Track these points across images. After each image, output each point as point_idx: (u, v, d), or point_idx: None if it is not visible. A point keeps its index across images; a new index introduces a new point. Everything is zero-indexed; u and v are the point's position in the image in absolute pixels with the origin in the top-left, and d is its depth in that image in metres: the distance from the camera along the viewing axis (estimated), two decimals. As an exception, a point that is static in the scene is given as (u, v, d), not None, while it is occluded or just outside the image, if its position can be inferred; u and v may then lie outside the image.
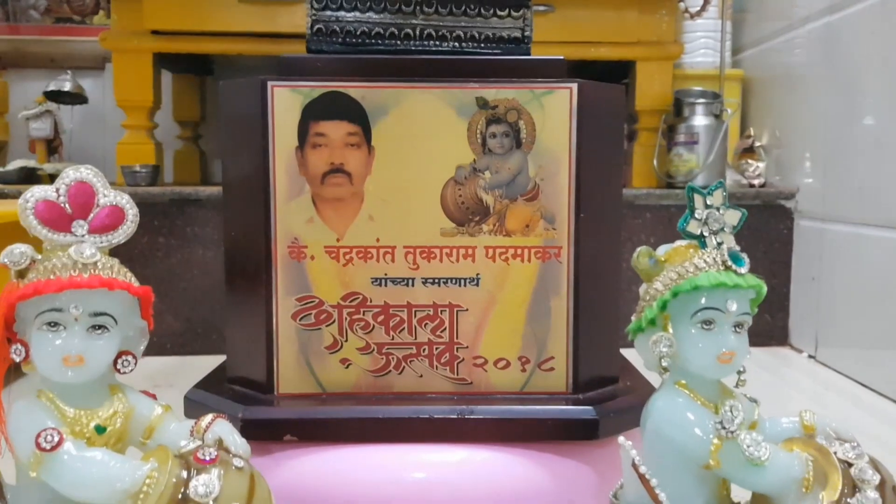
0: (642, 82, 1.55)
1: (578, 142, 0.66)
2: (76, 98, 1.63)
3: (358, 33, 0.70)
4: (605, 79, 1.79)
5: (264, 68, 1.71)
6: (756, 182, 1.54)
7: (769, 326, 1.46)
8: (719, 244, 0.52)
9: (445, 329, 0.67)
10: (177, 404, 0.70)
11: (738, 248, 0.53)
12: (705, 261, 0.51)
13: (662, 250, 0.54)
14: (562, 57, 0.69)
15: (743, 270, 0.51)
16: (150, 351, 1.36)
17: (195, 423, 0.52)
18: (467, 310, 0.67)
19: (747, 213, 0.54)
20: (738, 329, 0.52)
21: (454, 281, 0.67)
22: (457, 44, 0.71)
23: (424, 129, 0.66)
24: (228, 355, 0.70)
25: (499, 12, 0.71)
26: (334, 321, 0.66)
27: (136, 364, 0.53)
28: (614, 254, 0.69)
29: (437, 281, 0.67)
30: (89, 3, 1.44)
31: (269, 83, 0.65)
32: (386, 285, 0.66)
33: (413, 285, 0.67)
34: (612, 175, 0.69)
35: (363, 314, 0.66)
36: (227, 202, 0.68)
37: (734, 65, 1.70)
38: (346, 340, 0.66)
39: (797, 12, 1.48)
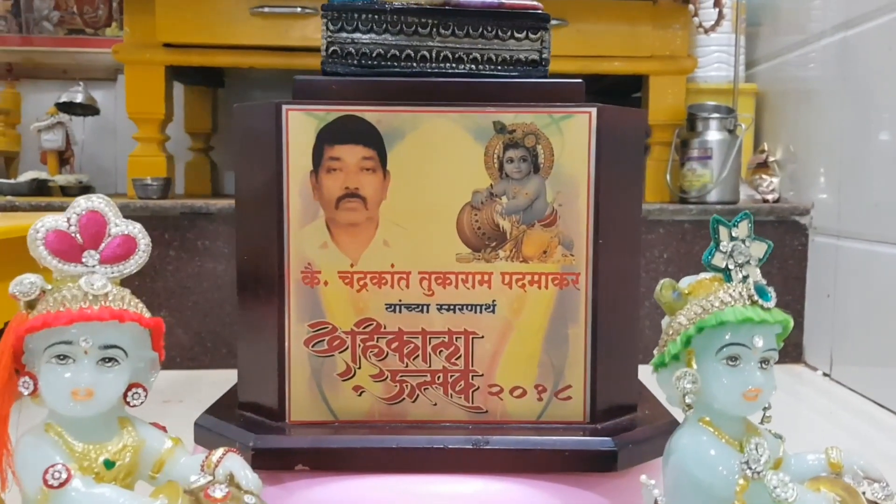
0: (655, 96, 1.53)
1: (597, 167, 0.65)
2: (88, 109, 1.62)
3: (374, 55, 0.69)
4: (618, 93, 1.78)
5: (276, 81, 1.70)
6: (770, 197, 1.53)
7: (783, 344, 1.43)
8: (745, 278, 0.51)
9: (461, 356, 0.65)
10: (186, 421, 0.69)
11: (764, 281, 0.51)
12: (731, 295, 0.50)
13: (686, 283, 0.53)
14: (580, 80, 0.68)
15: (769, 305, 0.50)
16: (159, 365, 1.35)
17: (206, 457, 0.51)
18: (483, 337, 0.65)
19: (773, 245, 0.53)
20: (764, 365, 0.50)
21: (470, 307, 0.65)
22: (473, 66, 0.69)
23: (441, 154, 0.64)
24: (240, 380, 0.69)
25: (516, 34, 0.69)
26: (347, 348, 0.65)
27: (146, 396, 0.52)
28: (633, 280, 0.68)
29: (452, 307, 0.65)
30: (102, 16, 1.43)
31: (284, 107, 0.64)
32: (400, 311, 0.65)
33: (428, 312, 0.65)
34: (632, 201, 0.67)
35: (377, 341, 0.65)
36: (240, 224, 0.67)
37: (748, 79, 1.68)
38: (360, 367, 0.65)
39: (812, 27, 1.46)
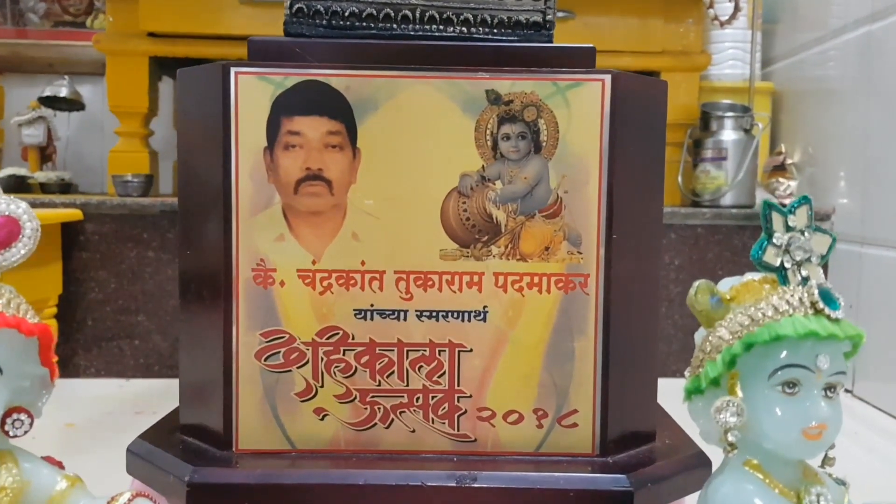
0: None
1: (611, 146, 0.52)
2: (73, 104, 1.51)
3: (346, 14, 0.56)
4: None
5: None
6: (787, 202, 1.39)
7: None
8: (805, 279, 0.38)
9: (444, 373, 0.52)
10: None
11: (829, 284, 0.38)
12: (788, 301, 0.37)
13: (727, 285, 0.40)
14: (591, 45, 0.55)
15: (838, 314, 0.37)
16: (135, 373, 1.23)
17: (110, 500, 0.38)
18: (471, 350, 0.52)
19: (836, 238, 0.40)
20: (829, 393, 0.37)
21: (456, 314, 0.52)
22: (464, 29, 0.57)
23: (422, 129, 0.52)
24: (181, 399, 0.56)
25: (515, -9, 0.57)
26: (308, 362, 0.52)
27: (31, 424, 0.39)
28: (652, 283, 0.55)
29: (434, 314, 0.52)
30: (83, 4, 1.32)
31: (233, 69, 0.51)
32: (372, 318, 0.52)
33: (405, 319, 0.52)
34: (652, 187, 0.55)
35: (343, 354, 0.52)
36: (182, 215, 0.54)
37: (764, 77, 1.55)
38: (322, 386, 0.52)
39: (833, 22, 1.33)
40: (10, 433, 0.38)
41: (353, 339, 0.52)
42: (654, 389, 0.56)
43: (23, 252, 0.40)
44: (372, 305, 0.52)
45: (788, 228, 0.38)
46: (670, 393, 0.57)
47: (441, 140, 0.52)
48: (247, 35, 1.33)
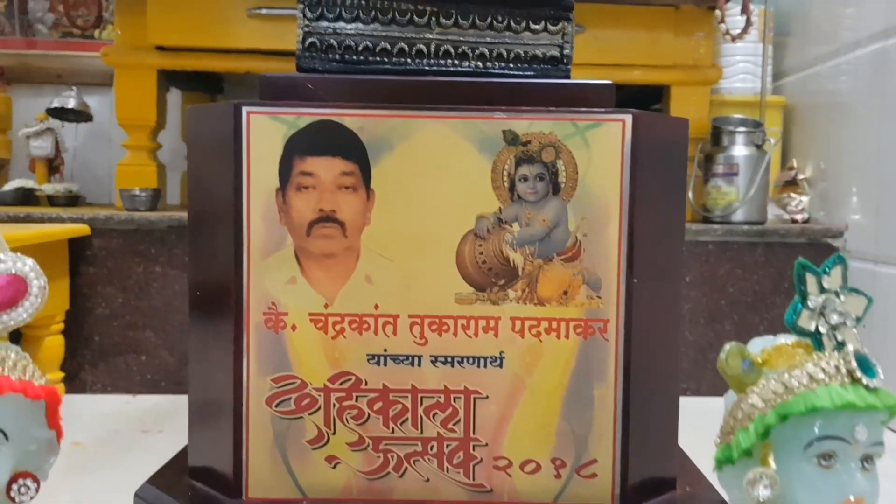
0: (677, 108, 1.38)
1: (632, 188, 0.50)
2: (81, 116, 1.49)
3: (360, 49, 0.55)
4: (636, 104, 1.64)
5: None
6: (799, 217, 1.37)
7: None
8: (840, 344, 0.36)
9: (459, 421, 0.51)
10: (164, 455, 0.58)
11: (865, 349, 0.36)
12: (823, 369, 0.35)
13: (759, 347, 0.38)
14: (609, 81, 0.53)
15: (875, 383, 0.35)
16: (142, 388, 1.21)
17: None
18: (487, 397, 0.51)
19: (872, 299, 0.38)
20: (866, 464, 0.35)
21: (471, 360, 0.51)
22: (480, 63, 0.55)
23: (437, 169, 0.50)
24: (190, 442, 0.55)
25: (532, 26, 0.55)
26: (320, 408, 0.50)
27: (38, 489, 0.38)
28: (674, 329, 0.53)
29: (449, 360, 0.51)
30: (92, 18, 1.31)
31: (245, 108, 0.50)
32: (386, 364, 0.51)
33: (420, 364, 0.51)
34: (674, 228, 0.53)
35: (356, 400, 0.51)
36: (192, 254, 0.53)
37: (775, 91, 1.53)
38: (334, 433, 0.51)
39: (846, 36, 1.31)
40: (16, 500, 0.37)
41: (365, 384, 0.50)
42: (675, 435, 0.54)
43: (30, 311, 0.38)
44: (385, 350, 0.50)
45: (822, 290, 0.36)
46: (682, 413, 0.55)
47: (457, 181, 0.50)
48: (255, 49, 1.33)
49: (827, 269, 0.37)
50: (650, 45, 1.35)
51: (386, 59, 0.55)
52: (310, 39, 0.55)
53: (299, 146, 0.50)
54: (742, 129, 1.33)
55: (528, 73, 0.55)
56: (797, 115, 1.47)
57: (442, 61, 0.55)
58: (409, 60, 0.55)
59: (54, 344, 1.14)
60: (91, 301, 1.19)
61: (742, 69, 1.47)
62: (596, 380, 0.50)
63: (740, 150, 1.32)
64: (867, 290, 1.20)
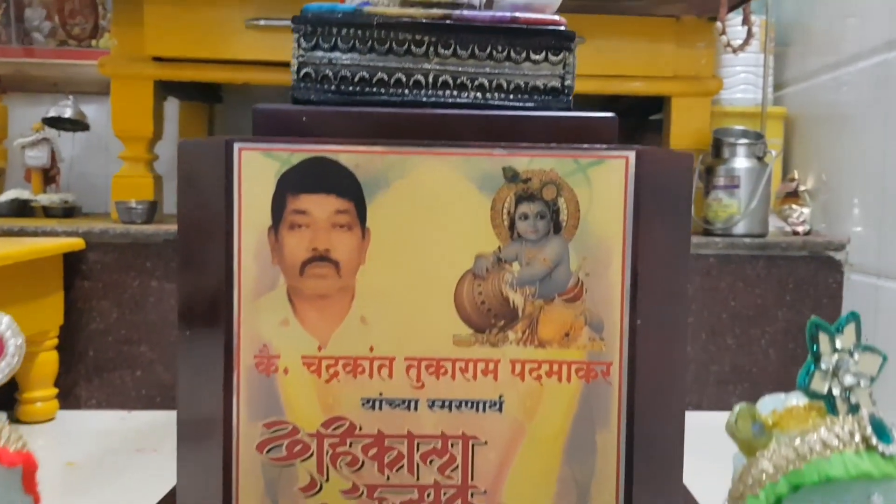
0: (678, 119, 1.36)
1: (635, 226, 0.48)
2: (77, 125, 1.47)
3: (356, 79, 0.53)
4: (635, 114, 1.62)
5: (277, 97, 1.54)
6: (800, 229, 1.36)
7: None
8: (855, 407, 0.34)
9: (457, 468, 0.49)
10: (157, 479, 0.54)
11: (880, 413, 0.35)
12: (837, 435, 0.33)
13: (770, 407, 0.36)
14: (612, 114, 0.52)
15: (892, 450, 0.33)
16: (137, 404, 1.20)
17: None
18: (486, 443, 0.49)
19: (887, 357, 0.36)
20: (882, 533, 0.34)
21: (470, 404, 0.49)
22: (479, 94, 0.53)
23: (435, 207, 0.48)
24: (179, 488, 0.53)
25: (533, 56, 0.53)
26: (312, 454, 0.49)
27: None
28: (679, 369, 0.51)
29: (447, 404, 0.49)
30: (89, 27, 1.29)
31: (236, 145, 0.48)
32: (381, 408, 0.49)
33: (416, 409, 0.49)
34: (678, 266, 0.51)
35: (350, 446, 0.49)
36: (182, 295, 0.51)
37: (776, 101, 1.51)
38: (328, 480, 0.49)
39: (847, 48, 1.29)
40: (-7, 567, 0.35)
41: (360, 430, 0.49)
42: (680, 478, 0.53)
43: (5, 371, 0.36)
44: (381, 394, 0.49)
45: (836, 349, 0.35)
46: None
47: (455, 219, 0.48)
48: (253, 60, 1.31)
49: (840, 328, 0.35)
50: (651, 56, 1.33)
51: (383, 90, 0.53)
52: (305, 70, 0.53)
53: (292, 183, 0.48)
54: (743, 141, 1.31)
55: (529, 104, 0.53)
56: (798, 126, 1.45)
57: (440, 92, 0.53)
58: (406, 91, 0.53)
59: (48, 360, 1.12)
60: (86, 316, 1.17)
61: (743, 80, 1.45)
62: (599, 425, 0.49)
63: (741, 162, 1.30)
64: (869, 304, 1.18)
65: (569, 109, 0.54)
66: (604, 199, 0.48)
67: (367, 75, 0.53)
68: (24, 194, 1.37)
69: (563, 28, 0.53)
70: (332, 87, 0.53)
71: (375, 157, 0.48)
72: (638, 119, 1.62)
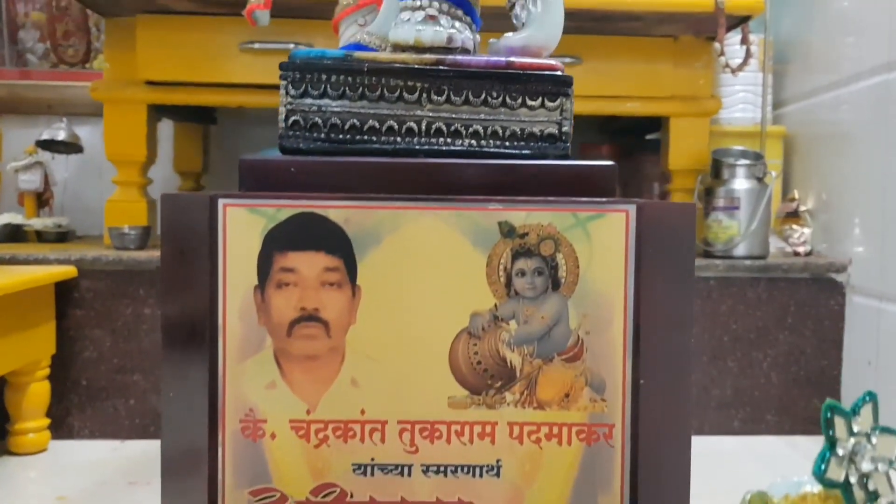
0: (676, 139, 1.34)
1: (637, 282, 0.46)
2: (71, 147, 1.45)
3: (346, 127, 0.51)
4: (631, 133, 1.60)
5: (272, 118, 1.53)
6: (801, 250, 1.34)
7: (818, 412, 1.24)
8: (873, 495, 0.32)
9: (453, 535, 0.47)
10: None
11: (901, 500, 0.32)
12: (856, 529, 0.31)
13: (782, 491, 0.34)
14: (612, 163, 0.49)
15: (914, 543, 0.31)
16: (130, 433, 1.17)
17: None
18: (483, 509, 0.47)
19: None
20: None
21: (466, 469, 0.47)
22: (474, 142, 0.51)
23: (428, 264, 0.46)
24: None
25: (529, 102, 0.51)
26: (302, 523, 0.47)
27: None
28: (684, 428, 0.49)
29: (442, 469, 0.47)
30: (81, 51, 1.26)
31: (221, 201, 0.45)
32: (373, 474, 0.46)
33: (410, 474, 0.47)
34: (682, 321, 0.49)
35: (342, 513, 0.47)
36: (165, 356, 0.48)
37: (775, 120, 1.49)
38: (318, 550, 0.47)
39: (847, 67, 1.27)
40: None
41: (351, 497, 0.46)
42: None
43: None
44: (373, 459, 0.46)
45: (852, 433, 0.33)
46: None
47: (449, 276, 0.46)
48: (246, 83, 1.28)
49: (857, 409, 0.33)
50: (648, 77, 1.31)
51: (374, 138, 0.51)
52: (293, 118, 0.51)
53: (280, 240, 0.46)
54: (742, 161, 1.29)
55: (525, 151, 0.51)
56: (798, 145, 1.43)
57: (434, 139, 0.51)
58: (398, 139, 0.51)
59: (40, 391, 1.10)
60: (78, 344, 1.15)
61: (742, 98, 1.43)
62: (601, 490, 0.46)
63: (741, 183, 1.28)
64: (871, 327, 1.15)
65: (567, 156, 0.51)
66: (604, 255, 0.46)
67: (357, 123, 0.51)
68: (17, 218, 1.35)
69: (559, 73, 0.51)
70: (322, 136, 0.51)
71: (366, 212, 0.46)
72: (636, 137, 1.61)
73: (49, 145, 1.44)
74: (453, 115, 0.51)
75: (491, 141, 0.51)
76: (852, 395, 1.21)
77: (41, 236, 1.36)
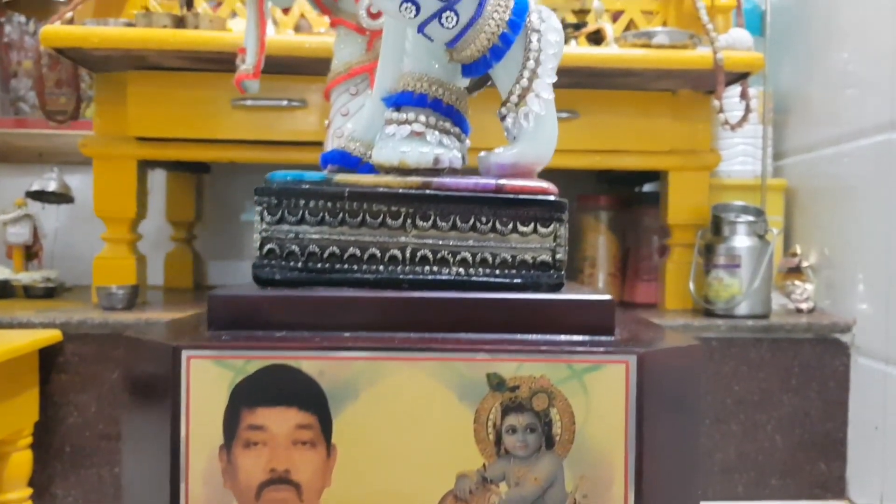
0: (675, 193, 1.30)
1: (638, 440, 0.41)
2: (62, 198, 1.41)
3: (325, 256, 0.46)
4: (631, 182, 1.55)
5: (266, 168, 1.49)
6: (804, 306, 1.29)
7: (824, 476, 1.20)
8: None
9: None
10: None
11: None
12: None
13: None
14: (609, 297, 0.45)
15: None
16: (115, 502, 1.12)
17: None
18: None
19: None
20: None
21: None
22: (462, 270, 0.47)
23: (410, 420, 0.41)
24: None
25: (520, 227, 0.47)
26: None
27: None
28: None
29: None
30: (69, 110, 1.23)
31: (185, 353, 0.41)
32: None
33: None
34: (688, 477, 0.44)
35: None
36: (124, 514, 0.44)
37: (776, 172, 1.45)
38: None
39: (849, 123, 1.24)
40: None
41: None
42: None
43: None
44: None
45: None
46: None
47: (433, 434, 0.41)
48: (238, 139, 1.24)
49: None
50: (647, 131, 1.27)
51: (355, 267, 0.46)
52: (268, 245, 0.46)
53: (248, 395, 0.41)
54: (743, 218, 1.25)
55: (517, 280, 0.47)
56: (799, 199, 1.39)
57: (419, 268, 0.47)
58: (381, 268, 0.47)
59: (21, 461, 1.05)
60: (63, 410, 1.10)
61: (742, 151, 1.39)
62: None
63: (742, 240, 1.24)
64: (878, 390, 1.10)
65: (560, 286, 0.47)
66: (602, 410, 0.41)
67: (337, 250, 0.46)
68: (5, 273, 1.31)
69: (553, 198, 0.47)
70: (299, 265, 0.46)
71: (342, 364, 0.41)
72: (632, 186, 1.56)
73: (40, 196, 1.40)
74: (440, 242, 0.46)
75: (480, 269, 0.47)
76: (859, 460, 1.16)
77: (28, 292, 1.31)
